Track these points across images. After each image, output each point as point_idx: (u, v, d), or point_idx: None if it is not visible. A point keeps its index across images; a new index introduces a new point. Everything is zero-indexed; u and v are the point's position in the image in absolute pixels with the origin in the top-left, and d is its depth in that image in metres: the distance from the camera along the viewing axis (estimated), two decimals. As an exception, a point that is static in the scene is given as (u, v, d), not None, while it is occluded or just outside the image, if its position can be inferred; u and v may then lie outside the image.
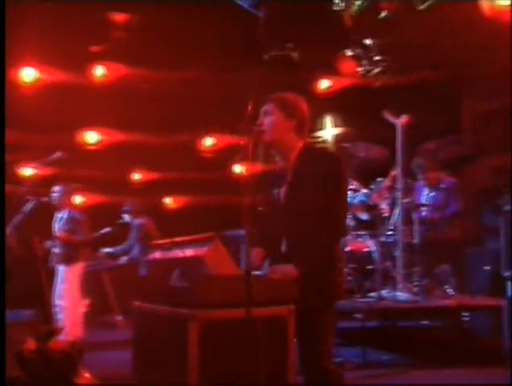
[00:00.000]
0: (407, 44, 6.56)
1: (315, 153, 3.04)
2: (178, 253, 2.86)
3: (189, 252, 2.75)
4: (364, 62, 7.16)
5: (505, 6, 5.60)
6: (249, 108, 3.05)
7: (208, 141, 8.74)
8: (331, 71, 7.50)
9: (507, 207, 4.31)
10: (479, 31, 6.03)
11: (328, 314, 2.88)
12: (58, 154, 5.83)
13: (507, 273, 4.27)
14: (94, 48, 7.89)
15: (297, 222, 2.91)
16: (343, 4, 6.39)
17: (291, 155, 3.02)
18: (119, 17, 7.79)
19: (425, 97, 6.83)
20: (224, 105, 8.35)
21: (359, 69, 7.24)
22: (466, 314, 5.49)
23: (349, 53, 7.15)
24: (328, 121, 8.19)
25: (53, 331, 3.03)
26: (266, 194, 3.15)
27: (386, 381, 4.28)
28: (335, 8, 6.41)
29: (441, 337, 5.68)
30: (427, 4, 6.12)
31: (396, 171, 5.33)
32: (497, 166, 6.50)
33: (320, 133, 8.26)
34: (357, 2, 6.35)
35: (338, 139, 7.85)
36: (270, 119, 3.03)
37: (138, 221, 7.91)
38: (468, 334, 5.47)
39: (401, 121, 5.17)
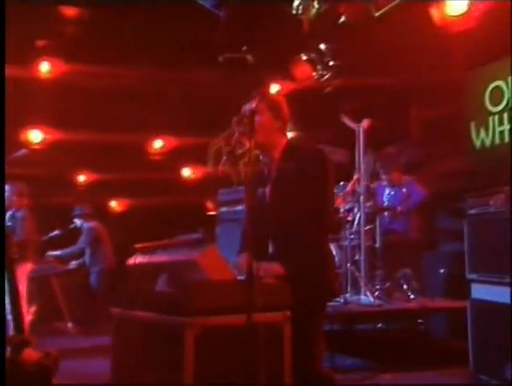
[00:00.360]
0: (362, 50, 6.64)
1: (298, 150, 3.00)
2: (164, 257, 2.73)
3: (180, 255, 2.63)
4: (319, 67, 7.19)
5: (454, 16, 5.75)
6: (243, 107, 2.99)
7: (158, 144, 8.56)
8: (285, 74, 7.53)
9: (472, 211, 4.40)
10: (430, 38, 6.17)
11: (320, 316, 2.84)
12: (23, 151, 5.53)
13: (472, 276, 4.36)
14: (39, 43, 7.55)
15: (283, 221, 2.86)
16: (301, 8, 6.39)
17: (275, 153, 2.98)
18: (67, 11, 7.48)
19: (379, 102, 6.95)
20: (174, 105, 8.22)
21: (314, 74, 7.27)
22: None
23: (304, 57, 7.16)
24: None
25: (26, 341, 2.83)
26: (251, 194, 3.08)
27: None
28: (293, 12, 6.40)
29: (400, 340, 5.76)
30: (382, 11, 6.21)
31: (358, 175, 5.37)
32: (447, 171, 6.69)
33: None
34: (315, 6, 6.37)
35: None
36: (259, 118, 2.96)
37: (88, 225, 7.62)
38: (425, 336, 5.59)
39: (362, 125, 5.22)
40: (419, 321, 5.70)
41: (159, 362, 2.54)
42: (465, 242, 4.45)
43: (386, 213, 5.50)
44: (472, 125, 6.22)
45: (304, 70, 7.31)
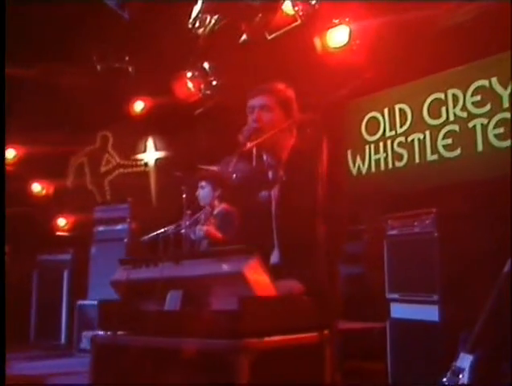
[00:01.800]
0: (254, 71, 6.62)
1: (309, 152, 2.83)
2: (187, 270, 2.34)
3: (213, 267, 2.26)
4: (202, 85, 7.02)
5: (336, 48, 5.99)
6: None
7: (10, 154, 7.58)
8: (161, 90, 7.22)
9: (393, 232, 4.58)
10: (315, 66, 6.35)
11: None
12: None
13: (393, 295, 4.51)
14: None
15: (294, 228, 2.63)
16: (197, 22, 6.21)
17: (282, 155, 2.77)
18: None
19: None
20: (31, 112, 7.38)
21: (194, 91, 7.06)
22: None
23: (189, 74, 6.93)
24: (150, 143, 7.88)
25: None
26: (247, 198, 2.82)
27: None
28: (189, 25, 6.18)
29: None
30: (274, 35, 6.26)
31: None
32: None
33: (141, 156, 7.88)
34: (212, 22, 6.23)
35: (163, 166, 7.58)
36: (269, 116, 2.74)
37: None
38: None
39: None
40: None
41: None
42: (385, 262, 4.60)
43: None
44: (349, 153, 6.52)
45: (185, 87, 7.07)
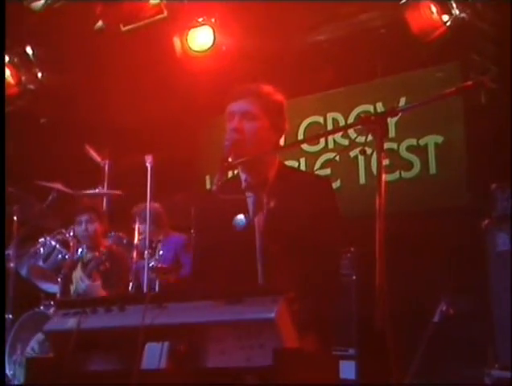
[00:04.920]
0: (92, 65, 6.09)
1: (300, 174, 2.84)
2: (197, 315, 1.94)
3: (238, 312, 1.90)
4: (22, 77, 6.25)
5: (197, 52, 5.84)
6: None
7: None
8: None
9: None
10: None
11: None
12: None
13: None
14: None
15: (284, 261, 2.42)
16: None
17: (267, 174, 2.54)
18: None
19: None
20: None
21: (10, 82, 6.23)
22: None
23: (7, 59, 6.11)
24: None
25: None
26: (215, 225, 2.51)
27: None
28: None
29: None
30: (129, 27, 5.86)
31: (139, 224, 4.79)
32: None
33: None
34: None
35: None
36: (252, 125, 2.47)
37: None
38: None
39: (149, 160, 4.70)
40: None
41: None
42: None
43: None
44: (208, 178, 6.39)
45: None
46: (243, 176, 2.57)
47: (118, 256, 4.59)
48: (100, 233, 4.69)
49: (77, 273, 4.41)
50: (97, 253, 4.47)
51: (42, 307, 4.79)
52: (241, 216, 2.44)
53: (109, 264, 4.27)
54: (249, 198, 2.51)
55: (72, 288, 4.44)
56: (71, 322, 2.02)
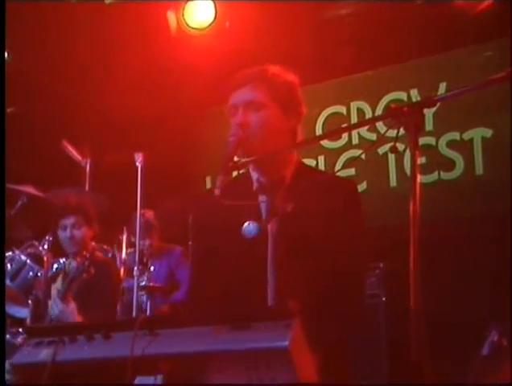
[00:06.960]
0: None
1: (322, 175, 2.87)
2: (194, 344, 1.97)
3: (245, 339, 1.92)
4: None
5: (196, 29, 5.89)
6: None
7: None
8: None
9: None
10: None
11: None
12: None
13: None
14: None
15: (300, 277, 2.44)
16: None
17: (284, 173, 2.57)
18: None
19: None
20: None
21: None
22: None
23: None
24: None
25: None
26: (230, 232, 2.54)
27: None
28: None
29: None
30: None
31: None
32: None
33: None
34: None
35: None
36: (260, 116, 2.50)
37: None
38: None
39: (139, 159, 4.75)
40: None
41: None
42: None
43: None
44: (208, 179, 6.46)
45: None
46: (255, 175, 2.59)
47: (104, 263, 4.56)
48: (88, 240, 4.67)
49: (54, 291, 4.41)
50: (78, 259, 4.42)
51: (8, 335, 4.78)
52: (252, 223, 2.47)
53: (94, 270, 4.20)
54: (263, 203, 2.53)
55: (48, 311, 4.43)
56: (44, 354, 2.04)
